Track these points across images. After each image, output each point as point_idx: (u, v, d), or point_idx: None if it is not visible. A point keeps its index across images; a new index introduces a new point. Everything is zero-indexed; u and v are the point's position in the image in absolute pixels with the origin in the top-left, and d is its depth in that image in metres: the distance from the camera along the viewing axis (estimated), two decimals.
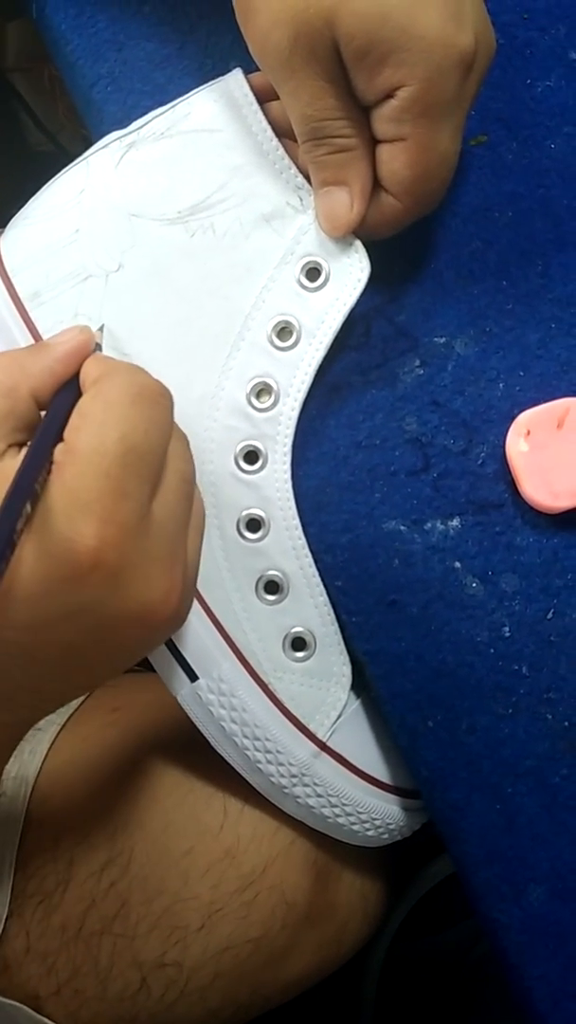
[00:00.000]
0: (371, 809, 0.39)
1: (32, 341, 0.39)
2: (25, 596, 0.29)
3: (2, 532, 0.27)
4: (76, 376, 0.33)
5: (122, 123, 0.40)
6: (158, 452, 0.31)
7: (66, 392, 0.33)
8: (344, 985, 0.63)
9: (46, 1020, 0.39)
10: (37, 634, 0.30)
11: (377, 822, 0.39)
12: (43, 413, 0.32)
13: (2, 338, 0.39)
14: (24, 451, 0.30)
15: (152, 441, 0.31)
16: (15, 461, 0.30)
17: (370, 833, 0.40)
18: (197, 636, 0.38)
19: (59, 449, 0.30)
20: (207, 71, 0.42)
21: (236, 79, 0.39)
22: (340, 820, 0.39)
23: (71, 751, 0.43)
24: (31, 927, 0.39)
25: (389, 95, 0.34)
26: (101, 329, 0.38)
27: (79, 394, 0.32)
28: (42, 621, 0.30)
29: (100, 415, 0.30)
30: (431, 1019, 0.66)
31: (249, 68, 0.38)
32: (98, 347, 0.36)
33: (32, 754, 0.43)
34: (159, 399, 0.32)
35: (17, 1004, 0.38)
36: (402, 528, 0.39)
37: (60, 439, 0.31)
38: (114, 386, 0.31)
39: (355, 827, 0.39)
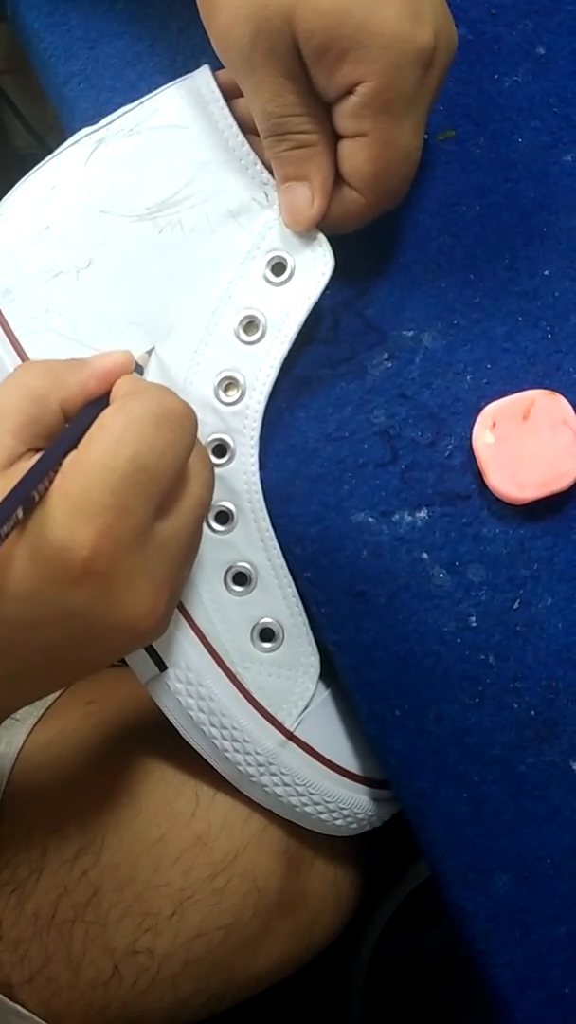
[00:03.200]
0: (339, 798, 0.39)
1: (4, 336, 0.39)
2: (16, 594, 0.30)
3: None
4: (107, 395, 0.34)
5: (94, 120, 0.41)
6: (170, 474, 0.32)
7: (92, 408, 0.33)
8: (332, 982, 0.63)
9: (19, 1007, 0.39)
10: (23, 632, 0.31)
11: (345, 811, 0.40)
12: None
13: None
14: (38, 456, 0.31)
15: (166, 464, 0.31)
16: (31, 463, 0.30)
17: (339, 822, 0.40)
18: None
19: (70, 457, 0.31)
20: (178, 68, 0.42)
21: (204, 76, 0.39)
22: (308, 809, 0.39)
23: (46, 742, 0.44)
24: (3, 915, 0.39)
25: (349, 91, 0.34)
26: (150, 352, 0.38)
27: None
28: (30, 620, 0.30)
29: (118, 431, 0.31)
30: (418, 1017, 0.66)
31: (219, 65, 0.38)
32: (140, 369, 0.37)
33: (8, 745, 0.43)
34: (183, 421, 0.33)
35: None
36: (370, 519, 0.39)
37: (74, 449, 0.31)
38: (140, 403, 0.32)
39: (323, 816, 0.40)
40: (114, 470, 0.30)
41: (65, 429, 0.33)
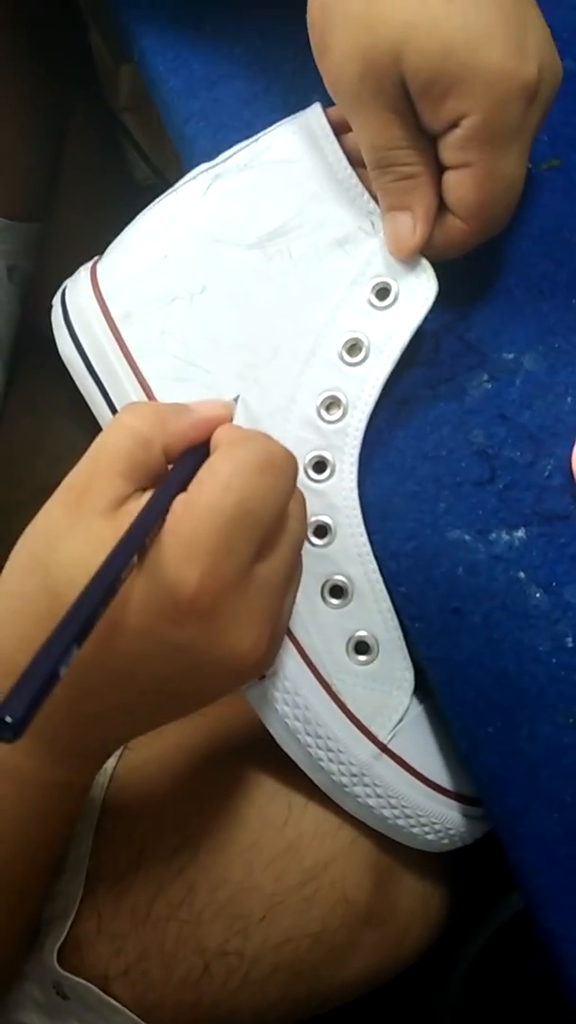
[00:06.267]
0: (431, 813, 0.40)
1: (123, 357, 0.42)
2: (131, 629, 0.32)
3: (107, 577, 0.30)
4: (206, 443, 0.36)
5: (211, 156, 0.43)
6: (272, 517, 0.34)
7: (193, 455, 0.35)
8: (424, 1003, 0.62)
9: (113, 1001, 0.40)
10: (136, 663, 0.33)
11: (437, 826, 0.40)
12: (170, 467, 0.35)
13: (96, 355, 0.42)
14: (145, 497, 0.33)
15: (268, 508, 0.33)
16: (139, 504, 0.33)
17: (430, 837, 0.40)
18: None
19: (180, 499, 0.33)
20: (291, 107, 0.44)
21: (315, 112, 0.41)
22: (400, 822, 0.40)
23: (148, 745, 0.45)
24: (103, 908, 0.41)
25: (454, 124, 0.35)
26: (236, 400, 0.40)
27: (206, 457, 0.35)
28: (142, 653, 0.33)
29: (226, 476, 0.33)
30: None
31: (330, 103, 0.40)
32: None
33: None
34: (286, 467, 0.35)
35: (88, 984, 0.40)
36: (467, 537, 0.40)
37: (181, 491, 0.33)
38: (247, 451, 0.34)
39: (415, 830, 0.40)
40: (221, 513, 0.32)
41: (169, 474, 0.35)
